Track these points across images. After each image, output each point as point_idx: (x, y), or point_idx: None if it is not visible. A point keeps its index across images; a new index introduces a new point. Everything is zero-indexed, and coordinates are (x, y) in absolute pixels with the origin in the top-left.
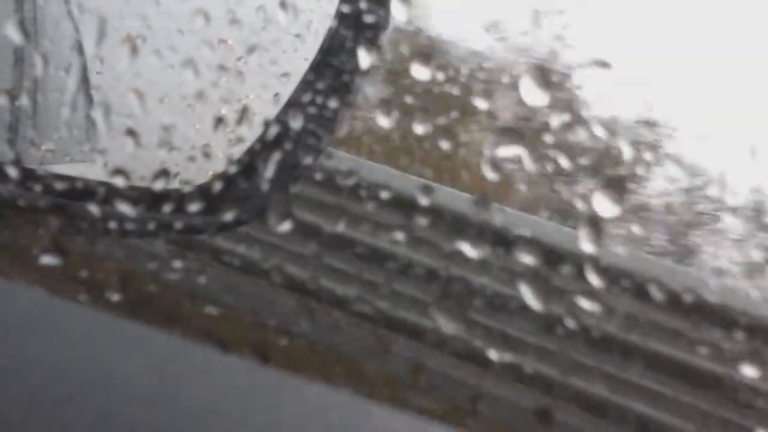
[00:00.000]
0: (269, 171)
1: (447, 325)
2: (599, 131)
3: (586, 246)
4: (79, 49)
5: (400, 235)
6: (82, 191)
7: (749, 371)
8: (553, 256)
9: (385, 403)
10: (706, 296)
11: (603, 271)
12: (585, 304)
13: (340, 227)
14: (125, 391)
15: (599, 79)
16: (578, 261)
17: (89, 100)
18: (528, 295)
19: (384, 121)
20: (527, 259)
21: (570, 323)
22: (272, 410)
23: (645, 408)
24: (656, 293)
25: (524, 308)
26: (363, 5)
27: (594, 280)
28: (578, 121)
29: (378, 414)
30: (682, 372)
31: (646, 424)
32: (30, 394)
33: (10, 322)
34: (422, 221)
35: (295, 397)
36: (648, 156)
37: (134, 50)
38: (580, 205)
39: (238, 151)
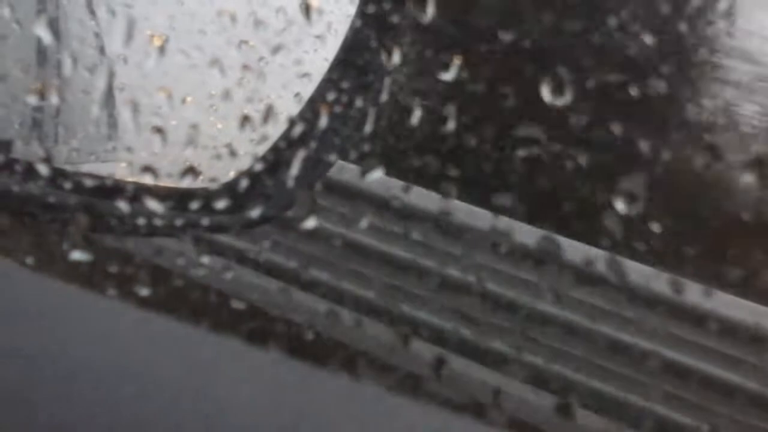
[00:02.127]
0: (294, 168)
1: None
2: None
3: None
4: (102, 48)
5: (418, 247)
6: (111, 189)
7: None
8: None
9: (407, 395)
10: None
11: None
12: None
13: (359, 235)
14: (153, 383)
15: None
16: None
17: (112, 100)
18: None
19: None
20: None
21: (587, 328)
22: (297, 402)
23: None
24: (667, 307)
25: (543, 315)
26: (386, 5)
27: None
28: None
29: (400, 406)
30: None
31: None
32: (60, 385)
33: (41, 315)
34: (444, 235)
35: (320, 389)
36: None
37: (162, 50)
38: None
39: (262, 149)
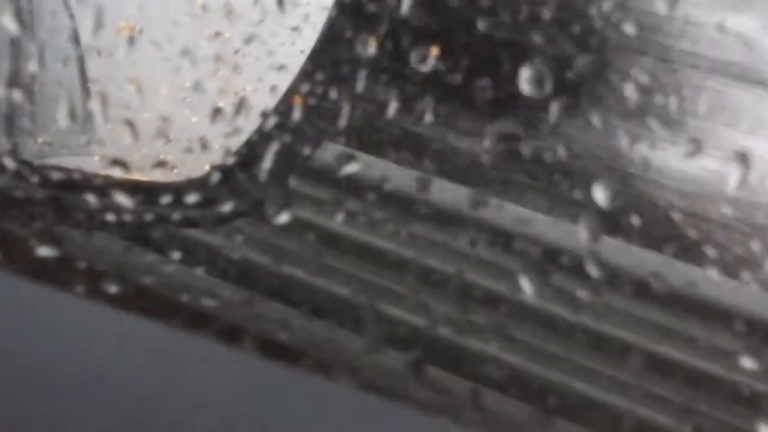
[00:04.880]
0: (267, 162)
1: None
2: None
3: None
4: (76, 39)
5: (396, 230)
6: (80, 183)
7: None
8: (551, 251)
9: (384, 396)
10: (704, 292)
11: (601, 266)
12: (583, 299)
13: (336, 223)
14: (123, 383)
15: None
16: (577, 257)
17: (86, 92)
18: (527, 290)
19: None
20: (525, 253)
21: (567, 321)
22: (270, 402)
23: (640, 408)
24: (655, 289)
25: (522, 305)
26: None
27: (593, 275)
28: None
29: (377, 407)
30: (680, 371)
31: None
32: (27, 385)
33: (6, 313)
34: (419, 215)
35: (294, 389)
36: None
37: (132, 41)
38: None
39: (235, 143)
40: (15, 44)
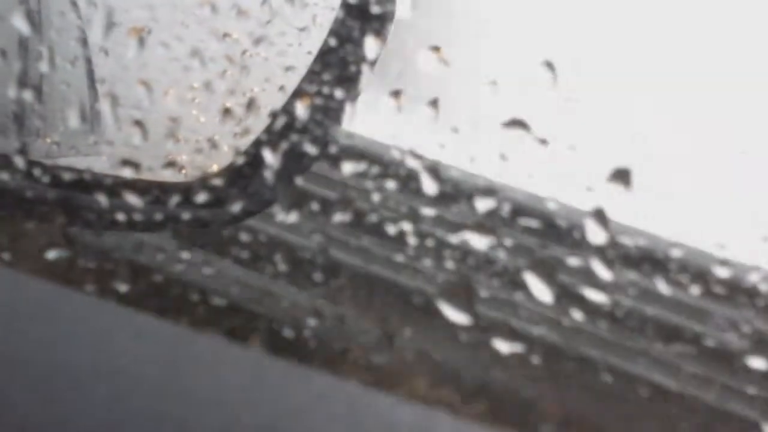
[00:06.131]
0: (276, 162)
1: (454, 315)
2: None
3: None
4: (84, 40)
5: (407, 224)
6: (90, 183)
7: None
8: (560, 236)
9: (392, 392)
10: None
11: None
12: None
13: (347, 216)
14: (132, 381)
15: None
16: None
17: (94, 92)
18: (535, 284)
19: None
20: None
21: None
22: (279, 400)
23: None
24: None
25: (531, 296)
26: None
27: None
28: None
29: (384, 403)
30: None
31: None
32: (38, 384)
33: (18, 312)
34: (430, 207)
35: (302, 387)
36: None
37: (142, 41)
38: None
39: (244, 143)
40: (24, 44)
